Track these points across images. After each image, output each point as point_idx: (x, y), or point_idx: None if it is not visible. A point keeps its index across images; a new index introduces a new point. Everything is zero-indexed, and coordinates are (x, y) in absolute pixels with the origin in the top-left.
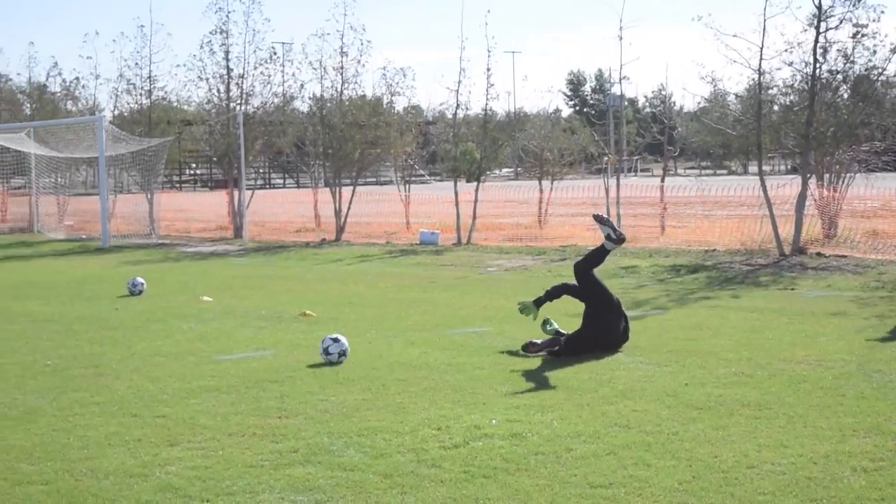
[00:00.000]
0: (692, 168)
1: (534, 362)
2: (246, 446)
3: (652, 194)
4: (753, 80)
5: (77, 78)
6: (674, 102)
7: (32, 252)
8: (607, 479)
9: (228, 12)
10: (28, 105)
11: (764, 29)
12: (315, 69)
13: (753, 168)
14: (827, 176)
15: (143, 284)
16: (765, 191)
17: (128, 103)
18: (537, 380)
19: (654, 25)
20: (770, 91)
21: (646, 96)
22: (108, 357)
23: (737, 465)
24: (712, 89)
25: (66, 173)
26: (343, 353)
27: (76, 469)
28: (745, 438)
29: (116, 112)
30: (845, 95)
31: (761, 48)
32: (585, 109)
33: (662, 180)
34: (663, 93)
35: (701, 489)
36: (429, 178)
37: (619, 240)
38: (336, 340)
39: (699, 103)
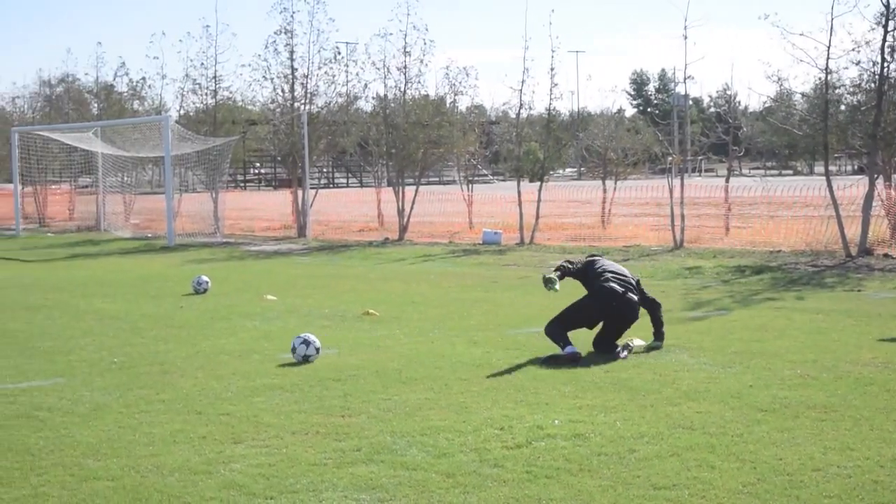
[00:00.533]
0: (757, 168)
1: (597, 363)
2: (309, 444)
3: (716, 194)
4: (820, 79)
5: (144, 78)
6: (739, 102)
7: (99, 250)
8: (671, 481)
9: (293, 12)
10: (95, 105)
11: (831, 28)
12: (378, 69)
13: (819, 168)
14: (895, 176)
15: (207, 283)
16: (831, 191)
17: (193, 103)
18: (600, 380)
19: (719, 24)
20: (837, 90)
21: (710, 96)
22: (174, 355)
23: (802, 467)
24: (778, 89)
25: (132, 172)
26: (306, 358)
27: (142, 466)
28: (811, 441)
29: (182, 112)
30: None
31: (828, 47)
32: (649, 109)
33: (727, 180)
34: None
35: (765, 492)
36: (491, 177)
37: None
38: (306, 343)
39: (765, 103)
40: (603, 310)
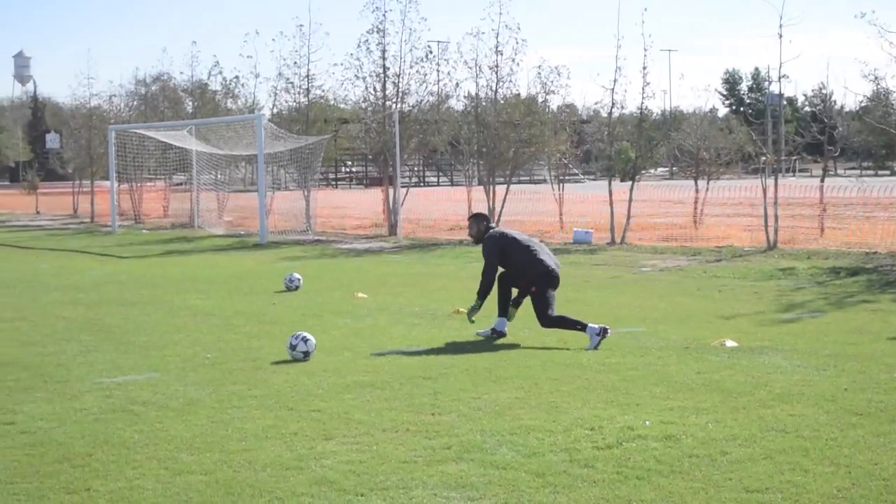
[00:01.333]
0: (853, 168)
1: (689, 364)
2: (399, 442)
3: (811, 195)
4: None
5: (237, 76)
6: (834, 101)
7: (192, 247)
8: (763, 484)
9: (385, 11)
10: (190, 103)
11: None
12: (470, 68)
13: None
14: None
15: (299, 280)
16: None
17: (286, 101)
18: (692, 382)
19: (815, 22)
20: None
21: (805, 95)
22: (266, 351)
23: None
24: (875, 87)
25: (225, 170)
26: (306, 353)
27: (234, 460)
28: None
29: (275, 110)
30: None
31: None
32: (742, 108)
33: (822, 181)
34: (824, 91)
35: (860, 497)
36: (581, 177)
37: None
38: (306, 340)
39: (861, 102)
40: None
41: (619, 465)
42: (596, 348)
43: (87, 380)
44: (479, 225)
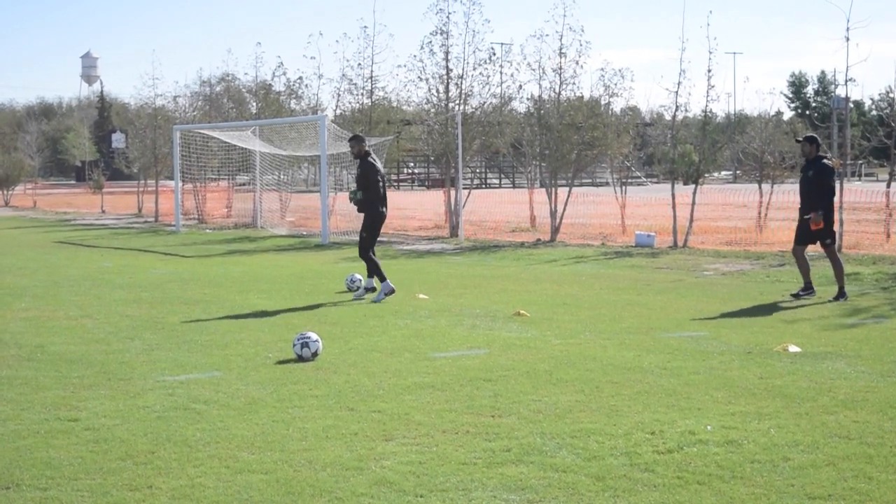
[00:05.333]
0: None
1: (751, 369)
2: (459, 444)
3: (877, 199)
4: None
5: (301, 77)
6: None
7: (255, 247)
8: (826, 491)
9: (449, 13)
10: (254, 104)
11: None
12: (533, 70)
13: None
14: None
15: (360, 280)
16: None
17: (349, 103)
18: (754, 387)
19: (883, 24)
20: None
21: (872, 98)
22: (327, 351)
23: None
24: None
25: (288, 171)
26: (315, 353)
27: (295, 460)
28: None
29: (338, 111)
30: None
31: None
32: (808, 112)
33: (888, 185)
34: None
35: None
36: (644, 180)
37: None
38: (305, 345)
39: None
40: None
41: (679, 470)
42: (377, 302)
43: (149, 378)
44: (360, 146)
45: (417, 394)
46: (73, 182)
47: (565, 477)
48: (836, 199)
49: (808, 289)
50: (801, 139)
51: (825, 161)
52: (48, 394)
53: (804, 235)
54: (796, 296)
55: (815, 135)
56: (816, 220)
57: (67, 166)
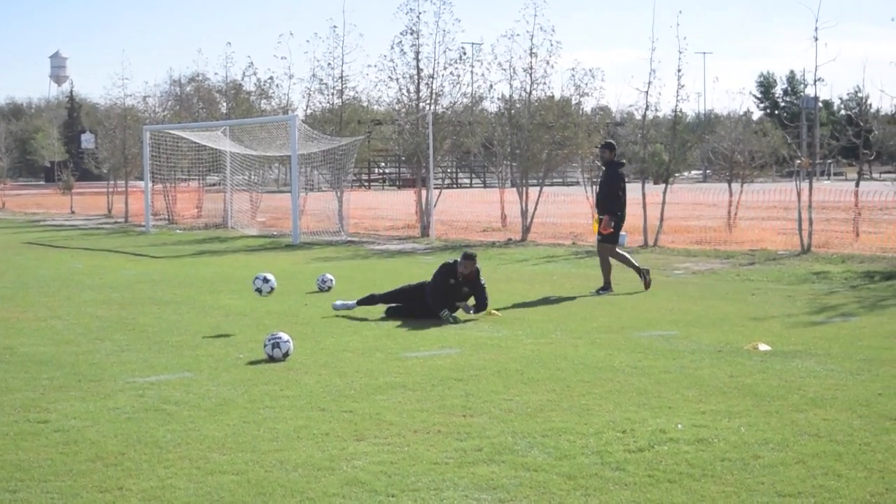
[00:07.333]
0: (888, 172)
1: (722, 368)
2: (431, 443)
3: (846, 199)
4: None
5: (271, 77)
6: (870, 104)
7: (226, 247)
8: (796, 489)
9: (419, 13)
10: (224, 104)
11: None
12: (504, 70)
13: None
14: None
15: (332, 281)
16: None
17: (319, 102)
18: (724, 385)
19: (851, 25)
20: None
21: (841, 98)
22: (298, 351)
23: None
24: None
25: (259, 171)
26: (286, 353)
27: (266, 460)
28: None
29: (308, 111)
30: None
31: None
32: (777, 111)
33: (857, 184)
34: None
35: (894, 502)
36: None
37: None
38: (276, 345)
39: None
40: None
41: (650, 469)
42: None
43: (120, 379)
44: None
45: (389, 393)
46: (42, 183)
47: (536, 476)
48: (804, 198)
49: (606, 287)
50: (597, 146)
51: (619, 168)
52: (17, 395)
53: (608, 237)
54: (597, 293)
55: (612, 141)
56: (607, 225)
57: (36, 167)
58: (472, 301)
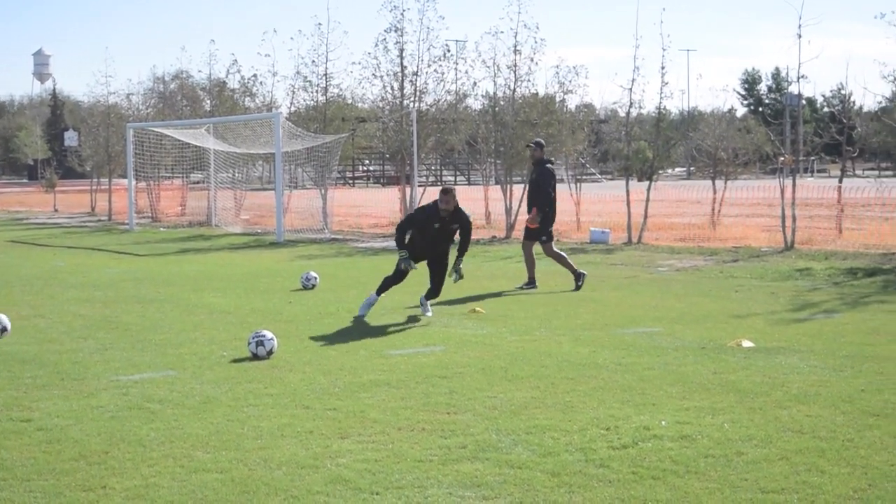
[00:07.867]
0: (871, 169)
1: (705, 364)
2: (415, 441)
3: (829, 195)
4: None
5: (255, 75)
6: (853, 102)
7: (210, 245)
8: (779, 485)
9: (403, 10)
10: (208, 101)
11: None
12: (488, 67)
13: None
14: None
15: (316, 279)
16: None
17: (304, 100)
18: (708, 382)
19: (835, 23)
20: None
21: (824, 95)
22: (282, 349)
23: None
24: (894, 88)
25: (242, 168)
26: (270, 351)
27: (250, 459)
28: None
29: (293, 108)
30: None
31: None
32: (761, 108)
33: (840, 181)
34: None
35: (877, 498)
36: (599, 176)
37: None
38: (260, 343)
39: (880, 103)
40: None
41: (634, 465)
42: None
43: (103, 377)
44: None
45: (373, 391)
46: (25, 181)
47: (521, 473)
48: (788, 195)
49: (531, 283)
50: (530, 144)
51: (549, 166)
52: (0, 394)
53: (531, 233)
54: (521, 288)
55: (541, 140)
56: (532, 220)
57: (19, 165)
58: (457, 236)
